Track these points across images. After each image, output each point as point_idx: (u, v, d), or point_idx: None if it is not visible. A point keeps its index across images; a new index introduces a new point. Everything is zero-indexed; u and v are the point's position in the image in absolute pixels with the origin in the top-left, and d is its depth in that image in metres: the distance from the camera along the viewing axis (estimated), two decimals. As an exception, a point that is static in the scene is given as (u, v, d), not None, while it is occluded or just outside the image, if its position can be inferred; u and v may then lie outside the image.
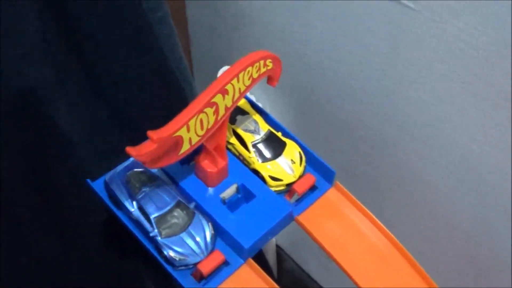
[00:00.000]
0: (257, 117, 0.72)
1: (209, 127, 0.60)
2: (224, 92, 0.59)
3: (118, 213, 0.65)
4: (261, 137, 0.70)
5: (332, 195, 0.70)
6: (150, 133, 0.55)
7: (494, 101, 0.70)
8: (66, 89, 0.73)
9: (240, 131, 0.70)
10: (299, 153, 0.70)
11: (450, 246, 0.90)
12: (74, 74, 0.73)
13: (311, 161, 0.71)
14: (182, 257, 0.61)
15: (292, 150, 0.70)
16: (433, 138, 0.81)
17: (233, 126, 0.70)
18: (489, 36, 0.65)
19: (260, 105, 0.74)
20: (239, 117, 0.71)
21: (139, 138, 0.57)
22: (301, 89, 0.96)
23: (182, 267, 0.62)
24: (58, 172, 0.76)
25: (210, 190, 0.66)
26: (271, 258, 1.29)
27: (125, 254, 0.85)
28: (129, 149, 0.55)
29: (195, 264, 0.61)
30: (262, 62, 0.62)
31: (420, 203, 0.90)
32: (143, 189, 0.64)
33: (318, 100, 0.94)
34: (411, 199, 0.91)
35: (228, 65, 0.99)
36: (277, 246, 1.33)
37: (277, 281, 0.63)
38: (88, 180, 0.66)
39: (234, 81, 0.60)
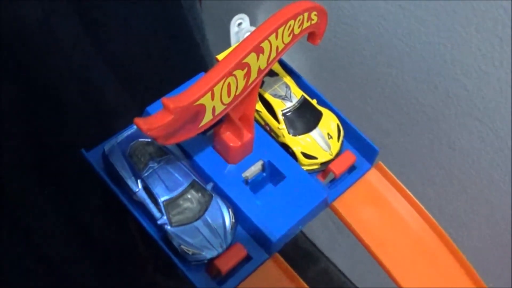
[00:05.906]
0: (288, 80, 0.60)
1: (237, 93, 0.48)
2: (259, 50, 0.47)
3: (119, 193, 0.53)
4: (293, 105, 0.58)
5: (373, 177, 0.60)
6: (165, 100, 0.43)
7: None
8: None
9: (268, 96, 0.58)
10: (337, 125, 0.59)
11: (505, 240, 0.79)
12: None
13: (350, 136, 0.60)
14: (196, 251, 0.50)
15: (328, 121, 0.59)
16: (485, 110, 0.69)
17: (259, 90, 0.58)
18: None
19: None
20: (267, 79, 0.59)
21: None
22: (329, 46, 0.83)
23: (196, 262, 0.51)
24: (50, 136, 0.64)
25: (231, 167, 0.55)
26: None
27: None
28: (138, 121, 0.43)
29: (212, 259, 0.51)
30: (306, 14, 0.50)
31: (468, 185, 0.79)
32: (150, 165, 0.52)
33: (348, 60, 0.82)
34: (456, 180, 0.79)
35: (242, 13, 0.86)
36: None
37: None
38: (83, 151, 0.54)
39: (272, 38, 0.47)
